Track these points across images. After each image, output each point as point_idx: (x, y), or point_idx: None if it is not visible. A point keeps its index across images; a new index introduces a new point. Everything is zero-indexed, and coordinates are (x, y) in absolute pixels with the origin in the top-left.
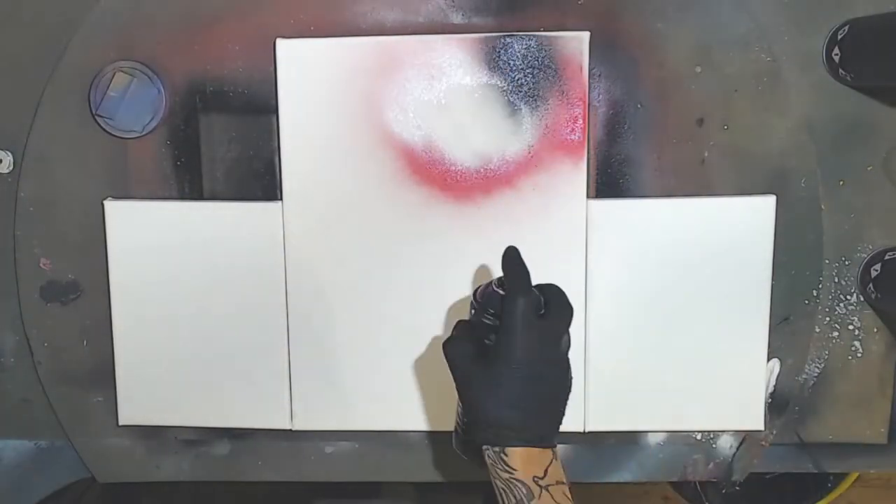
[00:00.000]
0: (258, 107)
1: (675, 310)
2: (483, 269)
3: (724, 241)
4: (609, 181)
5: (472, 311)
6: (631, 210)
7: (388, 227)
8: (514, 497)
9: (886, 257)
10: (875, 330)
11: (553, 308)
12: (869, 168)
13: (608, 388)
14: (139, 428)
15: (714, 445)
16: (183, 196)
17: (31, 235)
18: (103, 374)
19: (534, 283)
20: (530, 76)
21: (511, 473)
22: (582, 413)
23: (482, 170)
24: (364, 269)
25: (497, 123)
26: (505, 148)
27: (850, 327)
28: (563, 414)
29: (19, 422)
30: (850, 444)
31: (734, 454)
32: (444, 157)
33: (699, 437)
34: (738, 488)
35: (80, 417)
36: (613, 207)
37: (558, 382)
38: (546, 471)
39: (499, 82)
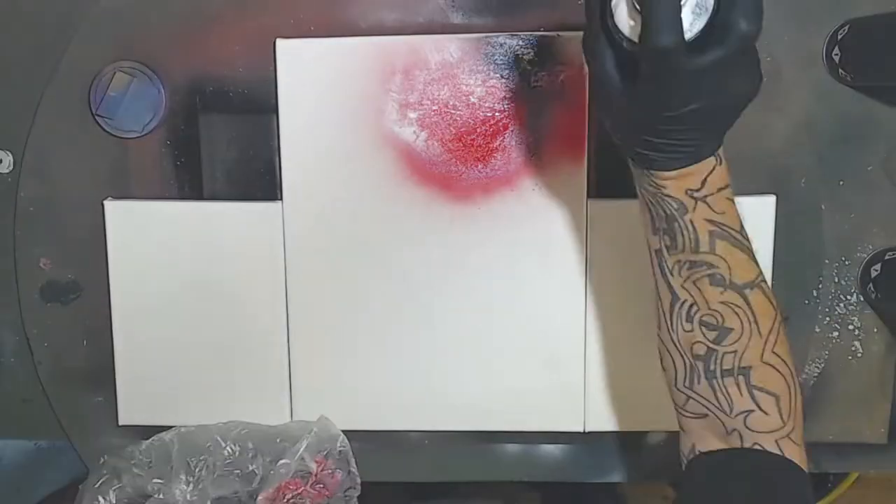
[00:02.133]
0: (258, 107)
1: None
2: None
3: None
4: (609, 181)
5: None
6: (631, 210)
7: (388, 226)
8: (664, 210)
9: (886, 257)
10: (875, 330)
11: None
12: (869, 168)
13: (608, 388)
14: (139, 428)
15: None
16: (183, 196)
17: (31, 235)
18: (103, 374)
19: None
20: (530, 76)
21: (658, 190)
22: (582, 413)
23: (482, 170)
24: (364, 269)
25: (497, 123)
26: (505, 148)
27: (850, 327)
28: (735, 116)
29: (19, 422)
30: (850, 444)
31: None
32: (443, 157)
33: None
34: None
35: (80, 417)
36: (613, 207)
37: (735, 87)
38: (704, 181)
39: (498, 82)
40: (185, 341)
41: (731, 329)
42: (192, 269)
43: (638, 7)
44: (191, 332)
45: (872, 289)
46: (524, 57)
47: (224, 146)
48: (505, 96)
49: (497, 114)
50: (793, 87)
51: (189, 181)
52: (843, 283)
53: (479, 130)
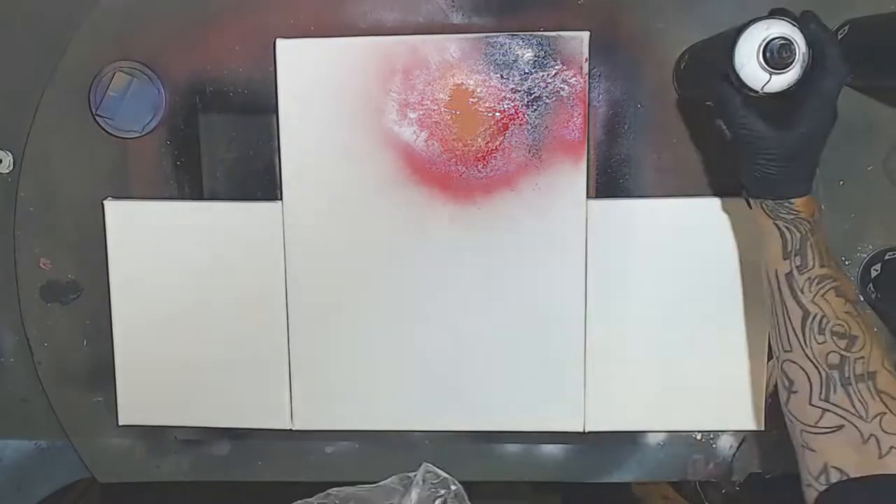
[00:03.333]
0: (258, 107)
1: (675, 309)
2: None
3: (723, 241)
4: (609, 181)
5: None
6: (631, 210)
7: (388, 226)
8: (800, 231)
9: (886, 257)
10: (875, 330)
11: (823, 62)
12: (869, 168)
13: (608, 388)
14: (139, 428)
15: (714, 445)
16: (183, 196)
17: (31, 235)
18: (103, 374)
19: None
20: (530, 76)
21: (796, 214)
22: (582, 413)
23: (482, 170)
24: (364, 269)
25: (497, 123)
26: (505, 148)
27: None
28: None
29: (19, 422)
30: None
31: (734, 454)
32: (443, 157)
33: (699, 437)
34: (738, 488)
35: (80, 417)
36: (613, 207)
37: (826, 135)
38: (819, 210)
39: (498, 82)
40: (185, 341)
41: (857, 337)
42: (191, 269)
43: (767, 65)
44: (191, 332)
45: (872, 289)
46: (524, 57)
47: (224, 146)
48: (505, 96)
49: (497, 114)
50: None
51: (189, 181)
52: None
53: (479, 130)
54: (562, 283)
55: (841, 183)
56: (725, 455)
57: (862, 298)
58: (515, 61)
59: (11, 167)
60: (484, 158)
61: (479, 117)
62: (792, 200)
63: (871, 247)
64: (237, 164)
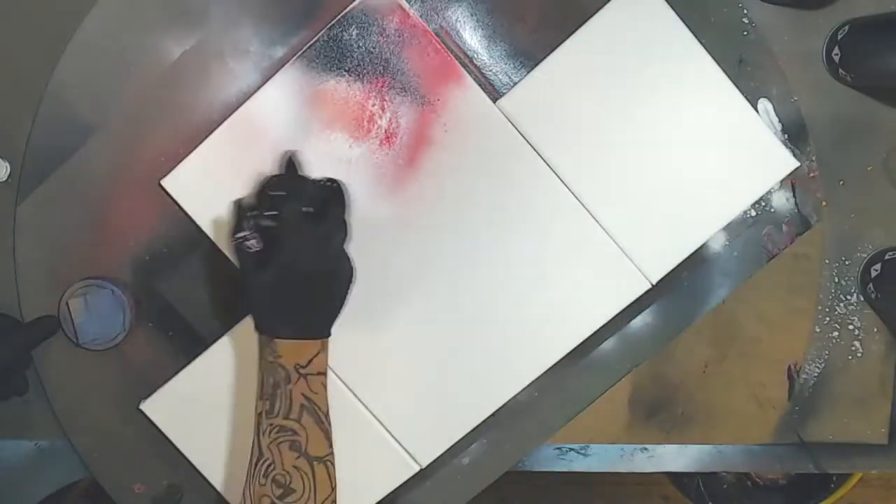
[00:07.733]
0: None
1: (650, 136)
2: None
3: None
4: (499, 75)
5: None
6: (537, 82)
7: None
8: (273, 379)
9: (886, 257)
10: (875, 330)
11: (329, 208)
12: (869, 168)
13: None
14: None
15: (773, 210)
16: None
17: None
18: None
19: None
20: (369, 48)
21: (275, 359)
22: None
23: (395, 148)
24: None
25: (376, 104)
26: (397, 116)
27: (850, 327)
28: (338, 308)
29: (19, 422)
30: (850, 444)
31: (795, 202)
32: (369, 159)
33: (754, 213)
34: (738, 488)
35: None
36: (520, 93)
37: (328, 280)
38: (310, 361)
39: (352, 74)
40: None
41: (295, 490)
42: None
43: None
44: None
45: (872, 289)
46: (352, 38)
47: None
48: (365, 79)
49: (371, 97)
50: (793, 87)
51: None
52: (843, 283)
53: (370, 124)
54: (530, 190)
55: (841, 183)
56: (790, 209)
57: (862, 298)
58: (350, 47)
59: (9, 175)
60: (389, 138)
61: (361, 111)
62: (275, 341)
63: (871, 247)
64: None
